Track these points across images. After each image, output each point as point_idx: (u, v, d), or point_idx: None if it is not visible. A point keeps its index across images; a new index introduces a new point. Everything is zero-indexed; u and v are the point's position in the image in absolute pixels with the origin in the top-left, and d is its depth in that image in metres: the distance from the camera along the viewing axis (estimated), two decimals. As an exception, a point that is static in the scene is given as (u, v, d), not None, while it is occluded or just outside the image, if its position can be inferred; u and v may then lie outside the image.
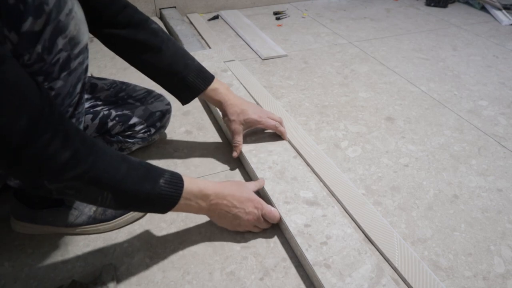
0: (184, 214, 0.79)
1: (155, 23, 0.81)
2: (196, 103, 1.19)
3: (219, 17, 1.90)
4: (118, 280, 0.67)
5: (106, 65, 1.41)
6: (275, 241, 0.74)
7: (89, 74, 0.64)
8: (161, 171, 0.61)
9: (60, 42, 0.52)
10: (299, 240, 0.68)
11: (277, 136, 0.95)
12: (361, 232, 0.76)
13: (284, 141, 0.94)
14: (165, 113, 0.93)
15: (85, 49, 0.59)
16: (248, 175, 0.90)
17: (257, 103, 1.11)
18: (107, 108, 0.85)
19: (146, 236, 0.75)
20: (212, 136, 1.04)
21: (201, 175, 0.90)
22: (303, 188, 0.79)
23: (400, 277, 0.67)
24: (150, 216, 0.79)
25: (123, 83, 0.91)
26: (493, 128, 1.09)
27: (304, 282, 0.67)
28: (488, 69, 1.42)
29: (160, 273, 0.68)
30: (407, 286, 0.66)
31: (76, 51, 0.56)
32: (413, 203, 0.84)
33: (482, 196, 0.86)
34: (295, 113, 1.15)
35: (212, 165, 0.94)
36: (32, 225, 0.73)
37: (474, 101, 1.22)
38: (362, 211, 0.79)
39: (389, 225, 0.77)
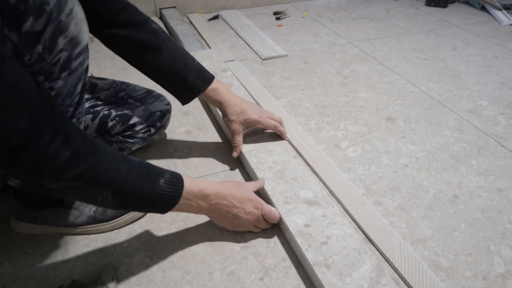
0: (184, 214, 0.79)
1: (155, 23, 0.81)
2: (196, 103, 1.19)
3: (219, 17, 1.90)
4: (118, 280, 0.67)
5: (106, 65, 1.41)
6: (275, 241, 0.74)
7: (89, 74, 0.64)
8: (161, 171, 0.61)
9: (61, 42, 0.52)
10: (299, 240, 0.68)
11: (277, 136, 0.95)
12: (361, 232, 0.76)
13: (284, 141, 0.94)
14: (165, 113, 0.93)
15: (86, 49, 0.59)
16: (248, 175, 0.90)
17: (257, 103, 1.11)
18: (107, 108, 0.85)
19: (146, 236, 0.75)
20: (212, 136, 1.04)
21: (201, 175, 0.90)
22: (303, 188, 0.79)
23: (400, 277, 0.67)
24: (150, 216, 0.79)
25: (123, 83, 0.91)
26: (493, 128, 1.09)
27: (304, 282, 0.67)
28: (488, 69, 1.42)
29: (160, 273, 0.68)
30: (407, 286, 0.66)
31: (77, 51, 0.56)
32: (413, 203, 0.84)
33: (482, 196, 0.86)
34: (295, 113, 1.15)
35: (212, 165, 0.94)
36: (32, 225, 0.73)
37: (474, 101, 1.22)
38: (362, 211, 0.79)
39: (389, 225, 0.77)
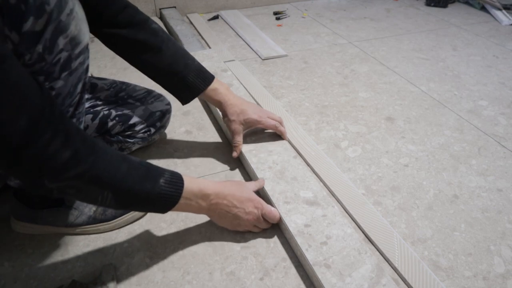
0: (184, 214, 0.79)
1: (155, 23, 0.81)
2: (196, 103, 1.19)
3: (219, 17, 1.90)
4: (118, 280, 0.67)
5: (106, 65, 1.41)
6: (275, 241, 0.74)
7: (89, 74, 0.64)
8: (161, 171, 0.61)
9: (61, 42, 0.52)
10: (299, 240, 0.68)
11: (277, 136, 0.95)
12: (361, 232, 0.76)
13: (284, 141, 0.94)
14: (165, 113, 0.93)
15: (86, 49, 0.59)
16: (248, 175, 0.90)
17: (257, 103, 1.11)
18: (107, 108, 0.85)
19: (146, 236, 0.75)
20: (212, 136, 1.04)
21: (201, 175, 0.90)
22: (303, 188, 0.79)
23: (400, 277, 0.67)
24: (150, 216, 0.79)
25: (123, 83, 0.91)
26: (493, 128, 1.09)
27: (304, 282, 0.67)
28: (488, 69, 1.42)
29: (160, 273, 0.68)
30: (407, 286, 0.66)
31: (77, 51, 0.56)
32: (413, 203, 0.84)
33: (482, 196, 0.86)
34: (295, 113, 1.15)
35: (212, 165, 0.94)
36: (32, 225, 0.73)
37: (474, 101, 1.22)
38: (362, 211, 0.79)
39: (389, 225, 0.77)
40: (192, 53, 1.05)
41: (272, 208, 0.74)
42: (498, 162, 0.96)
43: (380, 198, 0.85)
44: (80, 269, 0.69)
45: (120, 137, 0.87)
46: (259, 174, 0.83)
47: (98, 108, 0.84)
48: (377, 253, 0.72)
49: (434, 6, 2.09)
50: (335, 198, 0.84)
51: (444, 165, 0.95)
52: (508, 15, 1.92)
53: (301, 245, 0.67)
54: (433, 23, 1.87)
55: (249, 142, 0.92)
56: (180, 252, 0.72)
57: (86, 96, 0.83)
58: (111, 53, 0.80)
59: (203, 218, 0.78)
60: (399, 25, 1.84)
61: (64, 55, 0.54)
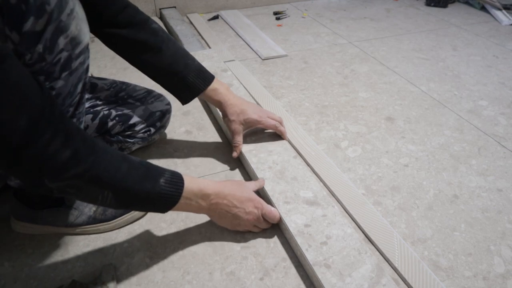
0: (184, 214, 0.79)
1: (156, 23, 0.81)
2: (196, 103, 1.19)
3: (219, 17, 1.90)
4: (118, 280, 0.67)
5: (106, 65, 1.41)
6: (275, 241, 0.74)
7: (89, 74, 0.64)
8: (161, 171, 0.61)
9: (61, 42, 0.52)
10: (299, 240, 0.68)
11: (277, 136, 0.95)
12: (361, 232, 0.76)
13: (284, 141, 0.94)
14: (165, 113, 0.93)
15: (86, 49, 0.59)
16: (248, 175, 0.90)
17: (257, 103, 1.11)
18: (107, 108, 0.85)
19: (146, 236, 0.75)
20: (212, 136, 1.04)
21: (201, 175, 0.90)
22: (303, 188, 0.79)
23: (400, 277, 0.67)
24: (150, 216, 0.79)
25: (123, 83, 0.91)
26: (493, 128, 1.09)
27: (304, 282, 0.67)
28: (488, 69, 1.42)
29: (160, 273, 0.68)
30: (407, 286, 0.66)
31: (77, 51, 0.56)
32: (413, 203, 0.84)
33: (482, 196, 0.86)
34: (295, 113, 1.15)
35: (212, 165, 0.94)
36: (32, 225, 0.73)
37: (474, 101, 1.22)
38: (362, 211, 0.79)
39: (389, 225, 0.77)
40: (192, 53, 1.05)
41: (272, 208, 0.73)
42: (498, 162, 0.96)
43: (380, 198, 0.85)
44: (80, 269, 0.69)
45: (120, 137, 0.87)
46: (259, 174, 0.83)
47: (98, 108, 0.84)
48: (377, 253, 0.72)
49: (434, 6, 2.09)
50: (335, 198, 0.84)
51: (444, 165, 0.95)
52: (508, 15, 1.92)
53: (301, 245, 0.67)
54: (433, 23, 1.87)
55: (249, 142, 0.92)
56: (180, 252, 0.72)
57: (86, 96, 0.83)
58: (111, 53, 0.80)
59: (203, 218, 0.78)
60: (399, 25, 1.84)
61: (64, 55, 0.54)
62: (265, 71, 1.38)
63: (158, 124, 0.92)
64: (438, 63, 1.46)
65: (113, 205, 0.57)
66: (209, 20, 1.86)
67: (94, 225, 0.75)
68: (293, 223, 0.71)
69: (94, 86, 0.86)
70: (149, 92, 0.93)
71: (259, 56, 1.49)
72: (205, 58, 1.32)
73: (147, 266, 0.69)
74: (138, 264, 0.70)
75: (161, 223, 0.78)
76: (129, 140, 0.88)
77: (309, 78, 1.34)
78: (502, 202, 0.85)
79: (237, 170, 0.92)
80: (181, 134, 1.05)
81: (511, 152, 1.00)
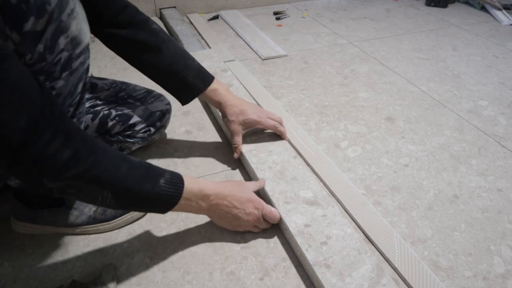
0: (184, 214, 0.79)
1: (156, 24, 0.81)
2: (196, 103, 1.19)
3: (219, 17, 1.90)
4: (118, 280, 0.67)
5: (106, 65, 1.41)
6: (275, 241, 0.74)
7: (89, 74, 0.64)
8: (161, 171, 0.61)
9: (62, 42, 0.53)
10: (299, 240, 0.68)
11: (277, 136, 0.95)
12: (361, 232, 0.76)
13: (284, 141, 0.94)
14: (165, 113, 0.93)
15: (87, 49, 0.59)
16: (248, 175, 0.90)
17: (257, 103, 1.11)
18: (107, 108, 0.85)
19: (146, 236, 0.75)
20: (212, 136, 1.04)
21: (201, 175, 0.90)
22: (303, 188, 0.79)
23: (400, 277, 0.67)
24: (150, 216, 0.79)
25: (123, 83, 0.91)
26: (493, 128, 1.09)
27: (304, 282, 0.67)
28: (488, 69, 1.42)
29: (160, 273, 0.68)
30: (407, 286, 0.66)
31: (78, 51, 0.56)
32: (413, 203, 0.84)
33: (482, 196, 0.86)
34: (295, 113, 1.15)
35: (212, 165, 0.94)
36: (32, 225, 0.73)
37: (474, 101, 1.22)
38: (362, 211, 0.79)
39: (389, 225, 0.77)
40: (192, 53, 1.06)
41: (273, 209, 0.73)
42: (498, 162, 0.96)
43: (380, 198, 0.85)
44: (80, 269, 0.69)
45: (120, 137, 0.87)
46: (259, 174, 0.83)
47: (98, 108, 0.84)
48: (377, 253, 0.72)
49: (434, 6, 2.09)
50: (335, 198, 0.84)
51: (444, 165, 0.95)
52: (508, 15, 1.92)
53: (301, 245, 0.67)
54: (433, 23, 1.87)
55: (249, 142, 0.92)
56: (180, 252, 0.72)
57: (86, 96, 0.83)
58: (111, 53, 0.80)
59: (203, 218, 0.78)
60: (399, 25, 1.84)
61: (65, 55, 0.54)
62: (265, 71, 1.38)
63: (158, 124, 0.92)
64: (438, 63, 1.46)
65: (113, 206, 0.57)
66: (209, 20, 1.86)
67: (94, 225, 0.75)
68: (293, 223, 0.71)
69: (94, 86, 0.86)
70: (149, 92, 0.93)
71: (259, 56, 1.49)
72: (205, 58, 1.32)
73: (147, 266, 0.69)
74: (138, 264, 0.70)
75: (161, 223, 0.78)
76: (129, 140, 0.88)
77: (309, 78, 1.34)
78: (502, 202, 0.85)
79: (237, 170, 0.92)
80: (181, 134, 1.05)
81: (511, 152, 1.00)
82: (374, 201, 0.84)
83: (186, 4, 1.91)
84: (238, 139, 0.88)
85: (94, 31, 0.75)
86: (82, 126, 0.68)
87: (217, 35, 1.69)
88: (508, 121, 1.12)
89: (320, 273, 0.63)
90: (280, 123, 0.93)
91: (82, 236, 0.75)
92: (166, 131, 1.05)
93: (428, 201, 0.84)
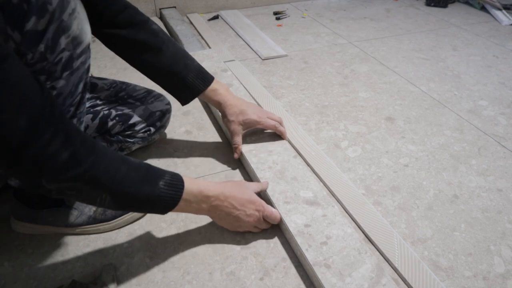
0: (184, 214, 0.79)
1: (156, 24, 0.81)
2: (196, 103, 1.19)
3: (219, 17, 1.90)
4: (118, 280, 0.67)
5: (106, 65, 1.41)
6: (275, 241, 0.74)
7: (89, 74, 0.64)
8: (161, 173, 0.61)
9: (63, 42, 0.53)
10: (299, 240, 0.68)
11: (277, 136, 0.95)
12: (361, 232, 0.76)
13: (284, 141, 0.94)
14: (165, 113, 0.93)
15: (88, 49, 0.59)
16: (248, 175, 0.90)
17: (257, 103, 1.11)
18: (107, 108, 0.85)
19: (146, 236, 0.75)
20: (212, 136, 1.04)
21: (201, 175, 0.90)
22: (303, 188, 0.79)
23: (400, 277, 0.67)
24: (150, 216, 0.79)
25: (123, 83, 0.91)
26: (493, 128, 1.09)
27: (304, 282, 0.67)
28: (488, 69, 1.42)
29: (160, 273, 0.68)
30: (407, 286, 0.66)
31: (79, 50, 0.56)
32: (413, 203, 0.84)
33: (482, 196, 0.86)
34: (295, 113, 1.15)
35: (212, 165, 0.94)
36: (32, 225, 0.73)
37: (474, 101, 1.22)
38: (362, 211, 0.80)
39: (389, 225, 0.77)
40: (192, 53, 1.06)
41: (273, 210, 0.73)
42: (498, 162, 0.97)
43: (380, 198, 0.85)
44: (80, 269, 0.69)
45: (120, 137, 0.87)
46: (259, 174, 0.83)
47: (98, 108, 0.84)
48: (377, 253, 0.72)
49: (434, 6, 2.09)
50: (335, 198, 0.84)
51: (444, 165, 0.95)
52: (508, 15, 1.92)
53: (301, 245, 0.67)
54: (433, 23, 1.87)
55: (249, 142, 0.92)
56: (180, 252, 0.72)
57: (87, 95, 0.83)
58: (111, 53, 0.80)
59: (203, 219, 0.78)
60: (399, 25, 1.84)
61: (65, 54, 0.54)
62: (265, 71, 1.38)
63: (158, 124, 0.92)
64: (438, 63, 1.46)
65: (112, 207, 0.57)
66: (209, 20, 1.86)
67: (94, 225, 0.75)
68: (293, 223, 0.71)
69: (94, 86, 0.86)
70: (149, 92, 0.93)
71: (259, 56, 1.49)
72: (205, 58, 1.32)
73: (147, 266, 0.69)
74: (138, 264, 0.70)
75: (161, 223, 0.78)
76: (129, 140, 0.88)
77: (309, 78, 1.34)
78: (502, 202, 0.85)
79: (237, 170, 0.92)
80: (181, 134, 1.05)
81: (511, 152, 1.00)
82: (374, 201, 0.84)
83: (186, 4, 1.91)
84: (238, 139, 0.88)
85: (94, 31, 0.75)
86: (82, 126, 0.68)
87: (217, 35, 1.69)
88: (508, 121, 1.12)
89: (320, 273, 0.63)
90: (280, 123, 0.93)
91: (82, 236, 0.75)
92: (166, 131, 1.05)
93: (428, 201, 0.84)
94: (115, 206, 0.57)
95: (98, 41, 0.79)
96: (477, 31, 1.77)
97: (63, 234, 0.75)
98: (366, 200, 0.82)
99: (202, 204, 0.67)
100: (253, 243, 0.74)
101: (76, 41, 0.55)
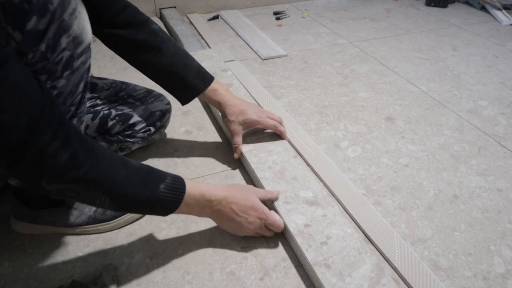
0: (184, 214, 0.79)
1: (156, 24, 0.81)
2: (196, 103, 1.19)
3: (219, 17, 1.90)
4: (118, 280, 0.67)
5: (106, 65, 1.41)
6: (275, 241, 0.74)
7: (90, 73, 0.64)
8: (162, 176, 0.61)
9: (64, 41, 0.53)
10: (299, 240, 0.68)
11: (277, 136, 0.95)
12: (361, 232, 0.76)
13: (284, 141, 0.94)
14: (165, 113, 0.93)
15: (88, 48, 0.59)
16: (248, 175, 0.90)
17: (257, 103, 1.11)
18: (107, 108, 0.85)
19: (146, 236, 0.75)
20: (212, 136, 1.04)
21: (201, 175, 0.90)
22: (303, 188, 0.79)
23: (400, 277, 0.67)
24: (150, 216, 0.79)
25: (123, 83, 0.91)
26: (493, 128, 1.09)
27: (304, 282, 0.67)
28: (488, 69, 1.42)
29: (160, 273, 0.68)
30: (407, 286, 0.66)
31: (79, 50, 0.56)
32: (413, 203, 0.84)
33: (482, 196, 0.86)
34: (295, 113, 1.15)
35: (212, 165, 0.94)
36: (32, 225, 0.73)
37: (474, 101, 1.22)
38: (362, 211, 0.80)
39: (389, 225, 0.77)
40: (192, 53, 1.06)
41: (277, 217, 0.71)
42: (498, 162, 0.97)
43: (380, 198, 0.85)
44: (80, 269, 0.69)
45: (120, 137, 0.87)
46: (259, 174, 0.83)
47: (98, 108, 0.84)
48: (377, 253, 0.72)
49: (434, 6, 2.09)
50: (335, 198, 0.84)
51: (444, 165, 0.95)
52: (508, 15, 1.92)
53: (301, 245, 0.67)
54: (433, 23, 1.87)
55: (249, 142, 0.92)
56: (180, 252, 0.72)
57: (87, 95, 0.83)
58: (111, 53, 0.80)
59: (203, 219, 0.78)
60: (399, 25, 1.84)
61: (66, 54, 0.54)
62: (265, 71, 1.38)
63: (158, 123, 0.91)
64: (438, 63, 1.46)
65: (112, 208, 0.57)
66: (209, 20, 1.86)
67: (94, 225, 0.75)
68: (293, 223, 0.71)
69: (94, 86, 0.86)
70: (149, 92, 0.93)
71: (259, 56, 1.49)
72: (205, 58, 1.32)
73: (147, 266, 0.69)
74: (138, 264, 0.70)
75: (161, 223, 0.78)
76: (129, 139, 0.88)
77: (309, 78, 1.34)
78: (502, 202, 0.85)
79: (237, 170, 0.92)
80: (181, 134, 1.05)
81: (511, 152, 1.00)
82: (374, 201, 0.84)
83: (186, 4, 1.91)
84: (238, 139, 0.88)
85: (95, 31, 0.75)
86: (83, 126, 0.68)
87: (217, 35, 1.69)
88: (508, 121, 1.12)
89: (320, 273, 0.63)
90: (280, 123, 0.93)
91: (82, 236, 0.75)
92: (166, 131, 1.05)
93: (428, 201, 0.84)
94: (115, 207, 0.57)
95: (98, 41, 0.79)
96: (477, 31, 1.77)
97: (63, 234, 0.75)
98: (366, 200, 0.82)
99: (204, 208, 0.66)
100: (253, 243, 0.73)
101: (76, 40, 0.55)
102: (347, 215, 0.80)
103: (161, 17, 1.86)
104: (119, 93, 0.89)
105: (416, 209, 0.82)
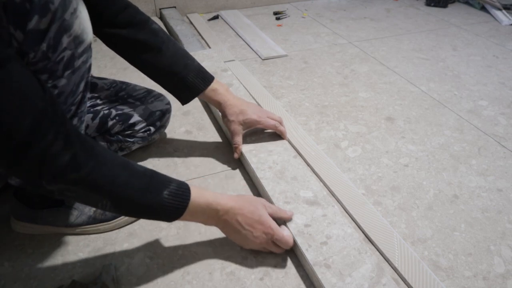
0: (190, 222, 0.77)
1: (156, 24, 0.81)
2: (196, 103, 1.19)
3: (219, 17, 1.90)
4: (118, 280, 0.67)
5: (106, 65, 1.41)
6: (275, 241, 0.74)
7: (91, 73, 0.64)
8: (167, 181, 0.59)
9: (65, 41, 0.53)
10: (299, 240, 0.68)
11: (277, 136, 0.95)
12: (361, 232, 0.76)
13: (284, 141, 0.94)
14: (165, 113, 0.93)
15: (89, 48, 0.59)
16: (248, 175, 0.90)
17: (257, 103, 1.11)
18: (107, 108, 0.85)
19: (146, 236, 0.75)
20: (212, 136, 1.04)
21: (201, 175, 0.90)
22: (303, 188, 0.79)
23: (400, 277, 0.67)
24: (150, 216, 0.79)
25: (123, 82, 0.91)
26: (493, 128, 1.09)
27: (304, 282, 0.67)
28: (488, 69, 1.43)
29: (160, 273, 0.68)
30: (407, 286, 0.66)
31: (80, 49, 0.56)
32: (413, 203, 0.84)
33: (482, 196, 0.86)
34: (295, 113, 1.15)
35: (212, 165, 0.94)
36: (32, 225, 0.73)
37: (474, 101, 1.22)
38: (362, 211, 0.80)
39: (389, 225, 0.77)
40: (192, 53, 1.06)
41: (286, 233, 0.68)
42: (498, 162, 0.97)
43: (380, 198, 0.85)
44: (80, 269, 0.69)
45: (120, 137, 0.87)
46: (259, 174, 0.83)
47: (98, 108, 0.84)
48: (377, 253, 0.72)
49: (434, 6, 2.09)
50: (335, 198, 0.84)
51: (444, 165, 0.95)
52: (508, 15, 1.92)
53: (301, 245, 0.67)
54: (433, 23, 1.87)
55: (249, 142, 0.92)
56: (180, 252, 0.72)
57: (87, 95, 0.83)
58: (111, 53, 0.80)
59: (203, 218, 0.78)
60: (399, 25, 1.84)
61: (67, 53, 0.54)
62: (265, 71, 1.38)
63: (158, 123, 0.91)
64: (438, 63, 1.46)
65: (115, 212, 0.57)
66: (209, 20, 1.86)
67: (94, 225, 0.75)
68: (293, 223, 0.71)
69: (94, 86, 0.86)
70: (149, 91, 0.93)
71: (259, 56, 1.49)
72: (205, 58, 1.32)
73: (147, 266, 0.69)
74: (138, 264, 0.70)
75: (161, 223, 0.78)
76: (129, 139, 0.88)
77: (309, 78, 1.34)
78: (502, 202, 0.85)
79: (237, 170, 0.92)
80: (181, 134, 1.05)
81: (511, 152, 1.00)
82: (374, 201, 0.84)
83: (186, 4, 1.91)
84: (238, 139, 0.88)
85: (95, 30, 0.75)
86: (83, 126, 0.68)
87: (217, 35, 1.69)
88: (508, 121, 1.12)
89: (320, 273, 0.63)
90: (280, 123, 0.93)
91: (82, 236, 0.75)
92: (166, 131, 1.05)
93: (428, 201, 0.84)
94: (117, 211, 0.57)
95: (98, 41, 0.79)
96: (477, 31, 1.77)
97: (63, 234, 0.75)
98: (366, 200, 0.82)
99: (210, 217, 0.65)
100: (253, 243, 0.73)
101: (77, 40, 0.55)
102: (347, 215, 0.80)
103: (161, 17, 1.86)
104: (119, 93, 0.89)
105: (416, 209, 0.82)
